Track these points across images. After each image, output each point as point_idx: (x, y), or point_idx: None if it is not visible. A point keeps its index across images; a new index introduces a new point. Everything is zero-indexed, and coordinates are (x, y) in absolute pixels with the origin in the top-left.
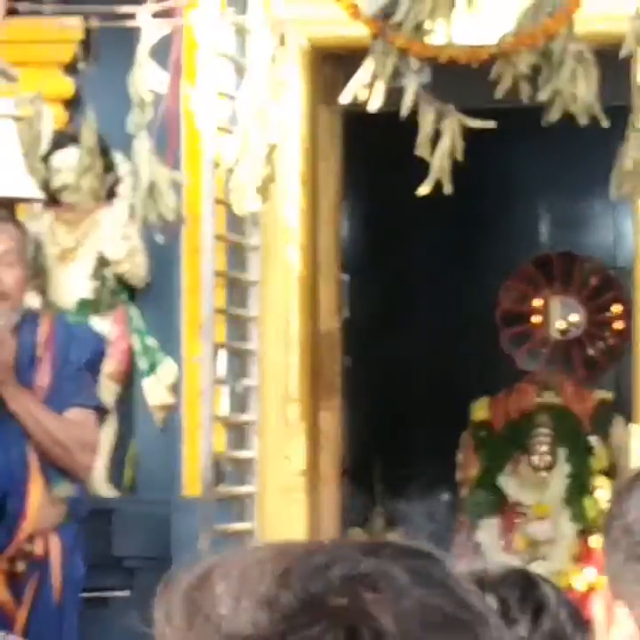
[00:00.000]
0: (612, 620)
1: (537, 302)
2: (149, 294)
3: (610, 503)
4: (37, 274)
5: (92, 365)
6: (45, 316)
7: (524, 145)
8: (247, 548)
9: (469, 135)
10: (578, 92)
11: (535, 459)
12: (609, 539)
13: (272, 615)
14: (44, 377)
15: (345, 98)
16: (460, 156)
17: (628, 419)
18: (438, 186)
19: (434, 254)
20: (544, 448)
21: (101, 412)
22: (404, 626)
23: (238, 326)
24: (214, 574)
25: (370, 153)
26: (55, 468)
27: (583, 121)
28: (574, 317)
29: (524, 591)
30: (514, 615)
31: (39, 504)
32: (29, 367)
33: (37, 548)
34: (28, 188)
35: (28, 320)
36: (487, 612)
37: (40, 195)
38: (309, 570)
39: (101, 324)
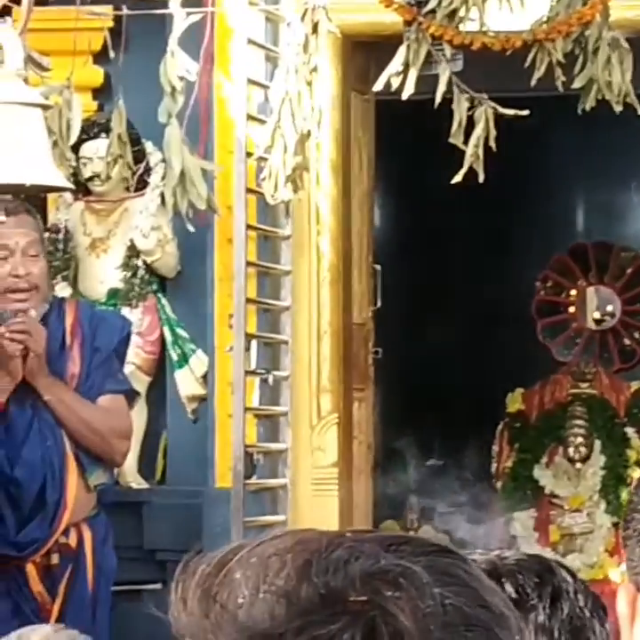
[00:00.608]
0: (635, 613)
1: (572, 292)
2: (180, 284)
3: (631, 495)
4: (68, 264)
5: (120, 349)
6: (70, 304)
7: (561, 133)
8: (266, 537)
9: (505, 123)
10: (613, 79)
11: (570, 450)
12: (630, 530)
13: (290, 609)
14: (74, 364)
15: (378, 86)
16: (493, 145)
17: None
18: (473, 174)
19: (468, 244)
20: (579, 439)
21: (132, 395)
22: (424, 625)
23: (270, 317)
24: (233, 562)
25: (403, 141)
26: (89, 457)
27: (618, 108)
28: (610, 307)
29: (541, 577)
30: (531, 601)
31: (76, 494)
32: (60, 355)
33: (71, 540)
34: (55, 177)
35: (54, 308)
36: (508, 613)
37: (67, 184)
38: (330, 564)
39: (132, 315)
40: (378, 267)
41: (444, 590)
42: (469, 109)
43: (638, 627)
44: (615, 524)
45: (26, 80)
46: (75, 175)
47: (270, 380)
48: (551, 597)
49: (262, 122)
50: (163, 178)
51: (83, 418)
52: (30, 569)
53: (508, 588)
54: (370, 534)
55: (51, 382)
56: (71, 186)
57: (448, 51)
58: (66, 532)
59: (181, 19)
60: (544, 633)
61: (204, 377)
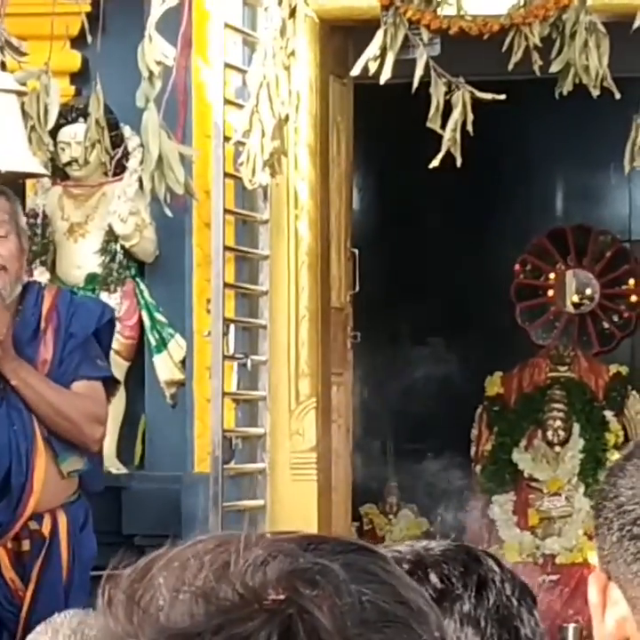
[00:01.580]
0: (606, 602)
1: (551, 276)
2: (159, 269)
3: (602, 483)
4: (46, 249)
5: (101, 335)
6: (49, 290)
7: (539, 117)
8: (189, 542)
9: (483, 107)
10: (590, 63)
11: (549, 433)
12: (601, 519)
13: (208, 608)
14: (47, 350)
15: (355, 70)
16: (470, 129)
17: None
18: (451, 158)
19: (447, 227)
20: (558, 423)
21: (111, 382)
22: (341, 622)
23: (248, 301)
24: (155, 567)
25: (381, 125)
26: (63, 443)
27: (595, 92)
28: (588, 291)
29: (466, 567)
30: (457, 591)
31: (45, 479)
32: (33, 341)
33: (44, 527)
34: (31, 163)
35: (33, 293)
36: (427, 609)
37: (43, 171)
38: (248, 564)
39: (110, 299)
40: (356, 251)
41: (361, 587)
42: (447, 93)
43: (609, 615)
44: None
45: (3, 65)
46: (52, 160)
47: (248, 364)
48: (477, 586)
49: (240, 106)
50: (141, 162)
51: (50, 402)
52: (1, 555)
53: (433, 578)
54: (289, 535)
55: (17, 366)
56: (47, 172)
57: (425, 35)
58: (39, 519)
59: (159, 3)
60: (470, 622)
61: (183, 361)
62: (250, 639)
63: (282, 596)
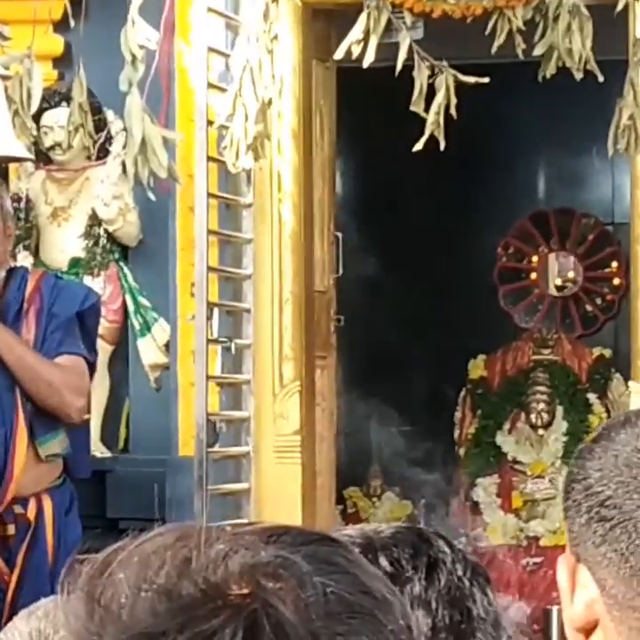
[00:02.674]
0: (575, 584)
1: (534, 259)
2: (142, 253)
3: (570, 465)
4: (29, 233)
5: (84, 319)
6: (34, 273)
7: (522, 101)
8: (148, 535)
9: (467, 91)
10: (573, 46)
11: (533, 416)
12: (570, 501)
13: (171, 606)
14: (29, 331)
15: (338, 54)
16: (454, 112)
17: (627, 375)
18: (435, 142)
19: (430, 210)
20: (541, 406)
21: (93, 365)
22: (306, 615)
23: (232, 285)
24: (115, 563)
25: (364, 109)
26: (45, 424)
27: (579, 75)
28: (571, 274)
29: (416, 549)
30: (407, 574)
31: (26, 464)
32: (15, 322)
33: (29, 511)
34: (15, 148)
35: (17, 278)
36: (392, 598)
37: (27, 154)
38: (209, 559)
39: (94, 283)
40: (339, 234)
41: (325, 579)
42: (430, 77)
43: (578, 597)
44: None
45: None
46: (36, 144)
47: (232, 348)
48: (427, 568)
49: (223, 90)
50: (124, 146)
51: (32, 367)
52: None
53: (383, 561)
54: (249, 527)
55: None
56: (31, 156)
57: (408, 18)
58: (24, 503)
59: None
60: (420, 605)
61: (167, 345)
62: (215, 636)
63: (245, 591)
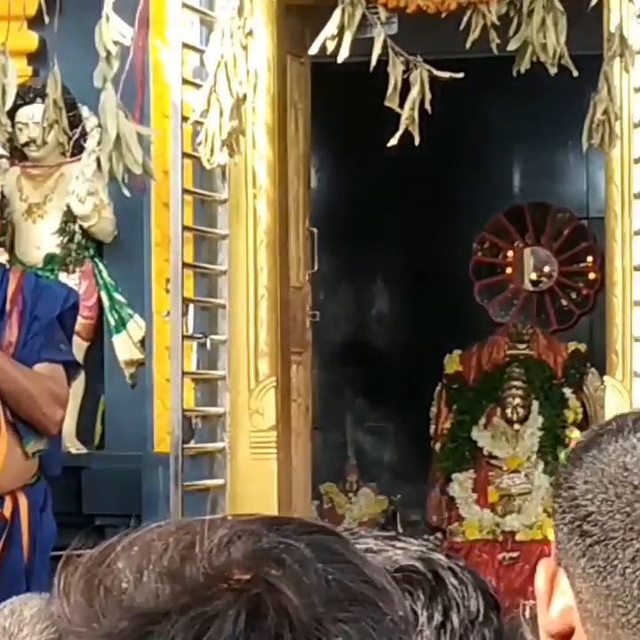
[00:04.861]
0: (553, 589)
1: (509, 254)
2: (117, 249)
3: (560, 466)
4: (4, 230)
5: (64, 320)
6: (14, 272)
7: (497, 95)
8: (148, 527)
9: (442, 86)
10: (547, 41)
11: (508, 411)
12: (556, 505)
13: (174, 588)
14: (11, 332)
15: (313, 49)
16: (428, 107)
17: (602, 369)
18: (409, 137)
19: (405, 206)
20: (517, 400)
21: (73, 367)
22: (308, 600)
23: (207, 281)
24: (116, 550)
25: (339, 104)
26: (26, 425)
27: (553, 70)
28: (547, 268)
29: (431, 594)
30: (420, 624)
31: (6, 463)
32: None
33: (5, 508)
34: None
35: None
36: (391, 589)
37: (1, 151)
38: (213, 544)
39: (69, 280)
40: (315, 230)
41: (327, 566)
42: (404, 72)
43: (555, 603)
44: (553, 485)
45: None
46: (10, 141)
47: (208, 344)
48: (441, 620)
49: (198, 86)
50: (99, 143)
51: (15, 379)
52: None
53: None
54: (252, 516)
55: None
56: (6, 153)
57: (383, 14)
58: (0, 501)
59: None
60: None
61: (142, 341)
62: (217, 618)
63: (248, 576)
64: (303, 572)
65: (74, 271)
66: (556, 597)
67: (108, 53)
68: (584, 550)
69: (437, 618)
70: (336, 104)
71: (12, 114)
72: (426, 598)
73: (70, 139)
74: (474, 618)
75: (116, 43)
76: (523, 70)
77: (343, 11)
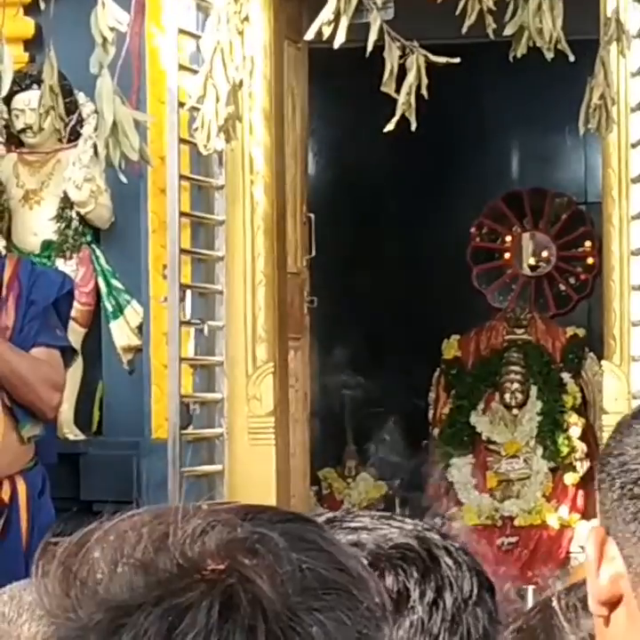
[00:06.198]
0: (602, 557)
1: (508, 239)
2: (114, 235)
3: (609, 437)
4: (1, 216)
5: (60, 306)
6: (10, 259)
7: (494, 81)
8: (124, 515)
9: (438, 71)
10: (544, 26)
11: (507, 396)
12: (603, 474)
13: (148, 580)
14: (8, 317)
15: (309, 34)
16: (425, 92)
17: (600, 354)
18: (407, 122)
19: (403, 191)
20: (515, 385)
21: (69, 352)
22: (282, 590)
23: (204, 267)
24: (91, 541)
25: (336, 90)
26: (23, 409)
27: (549, 55)
28: (545, 253)
29: (424, 571)
30: (412, 601)
31: (4, 447)
32: None
33: (3, 493)
34: None
35: None
36: (366, 576)
37: None
38: (187, 535)
39: (66, 266)
40: (312, 215)
41: (301, 555)
42: (401, 57)
43: (604, 570)
44: (552, 470)
45: None
46: (7, 127)
47: (205, 329)
48: (434, 594)
49: (194, 71)
50: (95, 129)
51: (11, 364)
52: None
53: (389, 582)
54: (227, 505)
55: None
56: (1, 139)
57: None
58: None
59: None
60: (423, 633)
61: (139, 328)
62: (191, 609)
63: (222, 566)
64: (277, 561)
65: (71, 257)
66: (605, 564)
67: (105, 39)
68: (635, 513)
69: (430, 595)
70: (333, 89)
71: (8, 100)
72: (419, 575)
73: (67, 125)
74: (467, 597)
75: (112, 29)
76: (519, 55)
77: None
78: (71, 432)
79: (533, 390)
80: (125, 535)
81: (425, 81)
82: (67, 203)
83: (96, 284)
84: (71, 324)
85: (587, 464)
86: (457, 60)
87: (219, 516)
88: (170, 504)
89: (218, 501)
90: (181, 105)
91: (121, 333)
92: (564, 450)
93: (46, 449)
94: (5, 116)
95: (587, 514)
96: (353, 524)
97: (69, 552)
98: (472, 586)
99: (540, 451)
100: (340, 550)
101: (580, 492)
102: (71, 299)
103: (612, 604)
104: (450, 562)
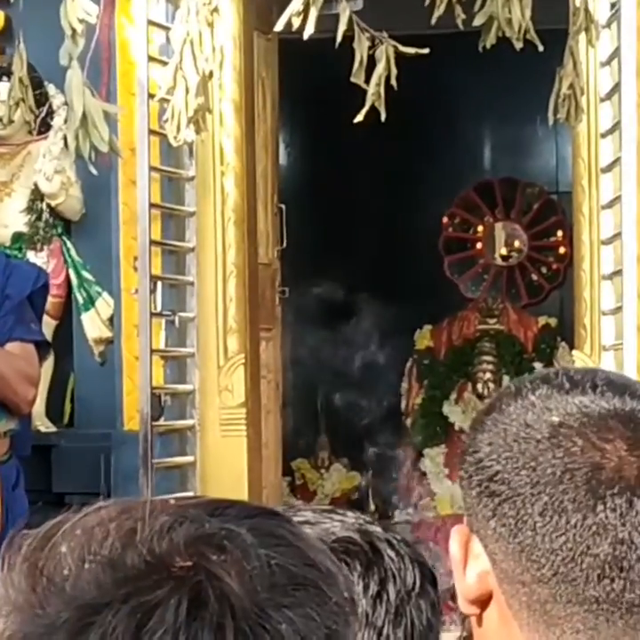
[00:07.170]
0: (468, 555)
1: (479, 228)
2: (85, 227)
3: (465, 435)
4: None
5: (34, 299)
6: None
7: (464, 71)
8: (91, 508)
9: (408, 62)
10: (513, 16)
11: (479, 386)
12: (462, 472)
13: (116, 577)
14: None
15: (279, 25)
16: (394, 83)
17: (572, 344)
18: (376, 113)
19: (374, 182)
20: (488, 375)
21: (44, 346)
22: (251, 586)
23: (175, 258)
24: (57, 536)
25: (306, 80)
26: (1, 403)
27: (519, 45)
28: (517, 243)
29: (368, 564)
30: (356, 594)
31: None
32: None
33: None
34: None
35: None
36: (335, 570)
37: None
38: (154, 531)
39: (37, 258)
40: (283, 206)
41: (269, 551)
42: (370, 48)
43: (471, 569)
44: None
45: None
46: None
47: (176, 321)
48: (377, 586)
49: (164, 63)
50: (65, 121)
51: None
52: None
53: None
54: (194, 500)
55: None
56: None
57: None
58: None
59: None
60: (367, 625)
61: (111, 319)
62: (159, 607)
63: (189, 563)
64: (245, 557)
65: (42, 249)
66: (471, 563)
67: (74, 31)
68: (493, 510)
69: (373, 588)
70: (303, 80)
71: None
72: (362, 568)
73: (37, 117)
74: (410, 589)
75: (81, 20)
76: (489, 46)
77: None
78: (43, 424)
79: (506, 380)
80: (93, 531)
81: (394, 71)
82: (37, 195)
83: (67, 276)
84: (43, 316)
85: None
86: (426, 50)
87: (186, 512)
88: (138, 497)
89: (187, 496)
90: (151, 96)
91: (92, 325)
92: None
93: (21, 442)
94: None
95: None
96: (295, 519)
97: (35, 546)
98: (415, 578)
99: None
100: (309, 545)
101: None
102: (46, 292)
103: (483, 602)
104: (392, 554)
